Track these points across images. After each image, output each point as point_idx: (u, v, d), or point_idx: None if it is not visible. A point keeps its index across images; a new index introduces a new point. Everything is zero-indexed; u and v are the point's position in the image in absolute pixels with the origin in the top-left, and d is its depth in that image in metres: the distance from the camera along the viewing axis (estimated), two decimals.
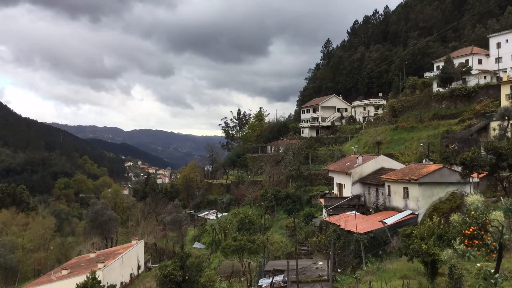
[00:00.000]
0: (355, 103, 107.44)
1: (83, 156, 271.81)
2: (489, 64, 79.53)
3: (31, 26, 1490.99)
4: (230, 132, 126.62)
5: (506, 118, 52.05)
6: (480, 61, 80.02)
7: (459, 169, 36.67)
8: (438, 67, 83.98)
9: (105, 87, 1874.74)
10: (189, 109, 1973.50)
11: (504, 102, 58.83)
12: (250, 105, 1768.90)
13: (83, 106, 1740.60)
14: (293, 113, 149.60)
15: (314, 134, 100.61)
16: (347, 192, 49.86)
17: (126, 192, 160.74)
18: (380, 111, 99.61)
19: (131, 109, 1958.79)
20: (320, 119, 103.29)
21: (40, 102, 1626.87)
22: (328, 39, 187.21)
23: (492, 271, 16.39)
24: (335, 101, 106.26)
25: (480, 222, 18.25)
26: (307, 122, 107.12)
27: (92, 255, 52.70)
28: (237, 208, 69.90)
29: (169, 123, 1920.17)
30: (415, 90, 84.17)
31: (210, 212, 79.87)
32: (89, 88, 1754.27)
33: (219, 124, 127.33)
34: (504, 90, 60.58)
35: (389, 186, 42.54)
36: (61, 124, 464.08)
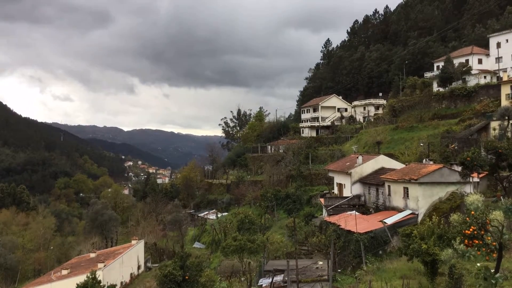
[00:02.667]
0: (355, 103, 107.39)
1: (83, 156, 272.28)
2: (489, 64, 79.48)
3: None
4: (230, 132, 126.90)
5: (506, 118, 51.98)
6: (480, 61, 79.93)
7: (459, 169, 36.68)
8: (438, 67, 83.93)
9: None
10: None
11: (504, 102, 58.79)
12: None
13: None
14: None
15: (314, 134, 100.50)
16: (347, 192, 49.86)
17: (126, 192, 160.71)
18: (380, 111, 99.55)
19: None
20: (320, 119, 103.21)
21: None
22: (328, 39, 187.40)
23: (492, 271, 16.40)
24: (335, 101, 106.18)
25: (480, 222, 18.28)
26: (307, 122, 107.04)
27: (92, 255, 52.69)
28: (237, 208, 69.89)
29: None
30: (415, 90, 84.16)
31: (210, 212, 79.87)
32: None
33: (219, 124, 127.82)
34: (504, 90, 60.55)
35: (389, 186, 42.54)
36: (61, 124, 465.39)
